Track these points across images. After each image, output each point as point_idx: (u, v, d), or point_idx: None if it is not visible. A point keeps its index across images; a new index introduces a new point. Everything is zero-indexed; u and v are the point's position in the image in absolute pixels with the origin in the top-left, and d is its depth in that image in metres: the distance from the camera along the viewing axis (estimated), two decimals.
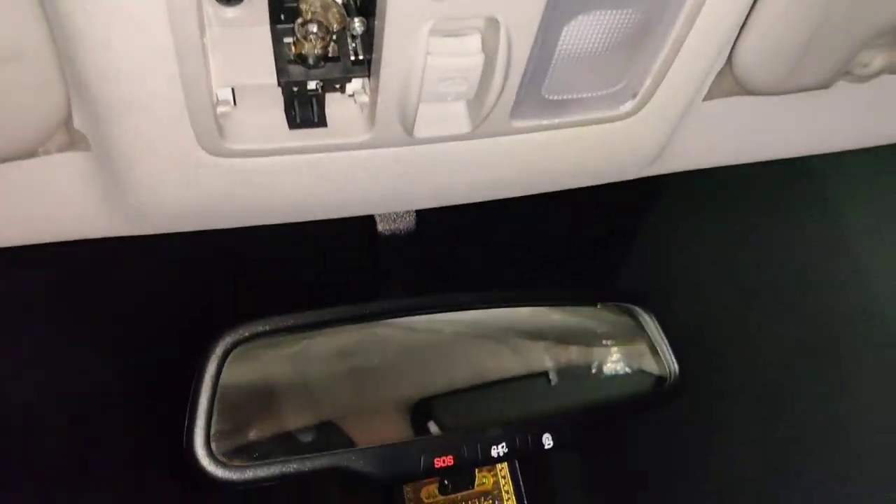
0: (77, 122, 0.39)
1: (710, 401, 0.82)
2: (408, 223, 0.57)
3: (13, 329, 0.66)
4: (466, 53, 0.39)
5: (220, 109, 0.40)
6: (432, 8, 0.35)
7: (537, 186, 0.51)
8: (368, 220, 0.60)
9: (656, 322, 0.64)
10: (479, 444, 0.51)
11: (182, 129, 0.38)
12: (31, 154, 0.38)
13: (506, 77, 0.40)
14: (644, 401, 0.68)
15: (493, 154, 0.47)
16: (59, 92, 0.36)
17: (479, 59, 0.40)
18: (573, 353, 1.03)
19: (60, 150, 0.39)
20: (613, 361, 1.03)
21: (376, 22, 0.37)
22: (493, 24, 0.38)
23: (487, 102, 0.42)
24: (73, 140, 0.39)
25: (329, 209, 0.48)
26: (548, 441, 0.52)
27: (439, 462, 0.49)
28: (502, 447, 0.51)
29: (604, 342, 1.02)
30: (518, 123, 0.44)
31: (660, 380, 0.69)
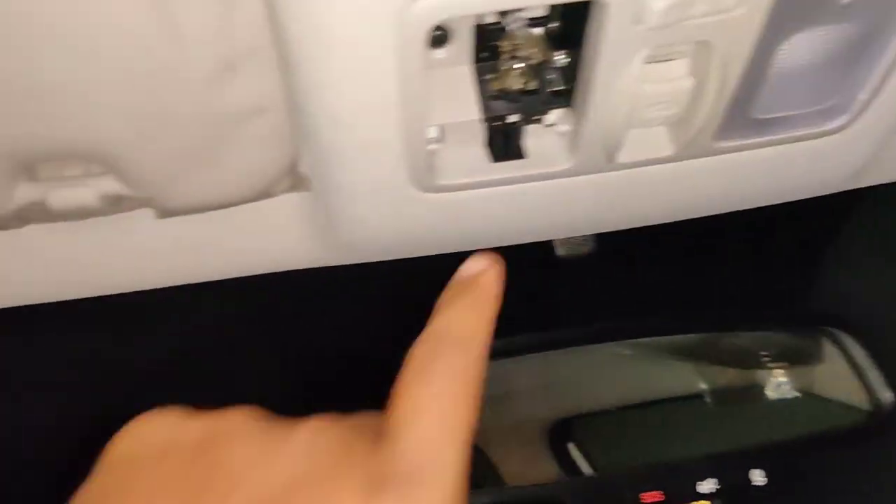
0: (302, 166, 0.42)
1: None
2: (588, 246, 0.57)
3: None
4: (676, 78, 0.39)
5: (431, 147, 0.41)
6: (649, 36, 0.35)
7: (735, 204, 0.50)
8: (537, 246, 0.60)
9: (859, 346, 0.60)
10: (685, 478, 0.49)
11: (399, 169, 0.40)
12: (264, 196, 0.41)
13: (715, 99, 0.39)
14: (849, 434, 0.63)
15: (693, 174, 0.46)
16: (290, 140, 0.38)
17: (688, 83, 0.39)
18: (733, 375, 0.98)
19: (285, 191, 0.42)
20: (788, 385, 0.97)
21: (584, 52, 0.37)
22: (704, 46, 0.37)
23: (693, 125, 0.41)
24: (296, 182, 0.42)
25: (525, 235, 0.49)
26: (760, 478, 0.49)
27: (647, 497, 0.47)
28: (713, 483, 0.49)
29: (773, 364, 0.97)
30: (723, 144, 0.43)
31: (868, 412, 0.64)
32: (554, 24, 0.40)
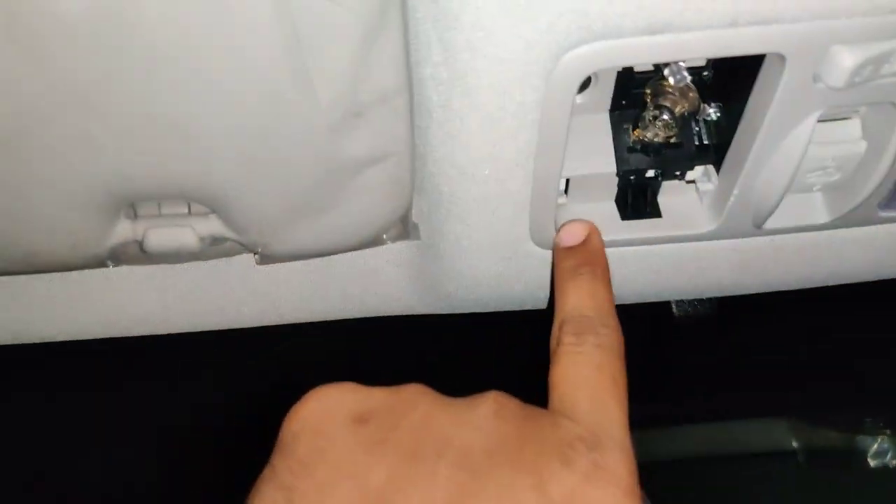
0: (414, 215, 0.38)
1: None
2: (709, 308, 0.52)
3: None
4: (847, 140, 0.34)
5: (559, 202, 0.38)
6: (830, 96, 0.30)
7: (886, 274, 0.44)
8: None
9: None
10: None
11: (519, 224, 0.37)
12: (374, 244, 0.38)
13: (891, 166, 0.34)
14: None
15: (846, 243, 0.40)
16: (408, 188, 0.35)
17: (860, 147, 0.34)
18: (830, 438, 0.91)
19: (395, 239, 0.39)
20: (886, 459, 0.90)
21: (749, 108, 0.33)
22: (884, 108, 0.32)
23: (858, 192, 0.36)
24: (406, 231, 0.39)
25: (643, 295, 0.44)
26: None
27: None
28: None
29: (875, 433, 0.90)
30: (887, 213, 0.38)
31: None
32: (706, 73, 0.36)
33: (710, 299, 0.53)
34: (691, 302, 0.53)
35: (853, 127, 0.34)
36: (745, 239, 0.39)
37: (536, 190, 0.35)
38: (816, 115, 0.32)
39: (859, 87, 0.30)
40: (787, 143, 0.33)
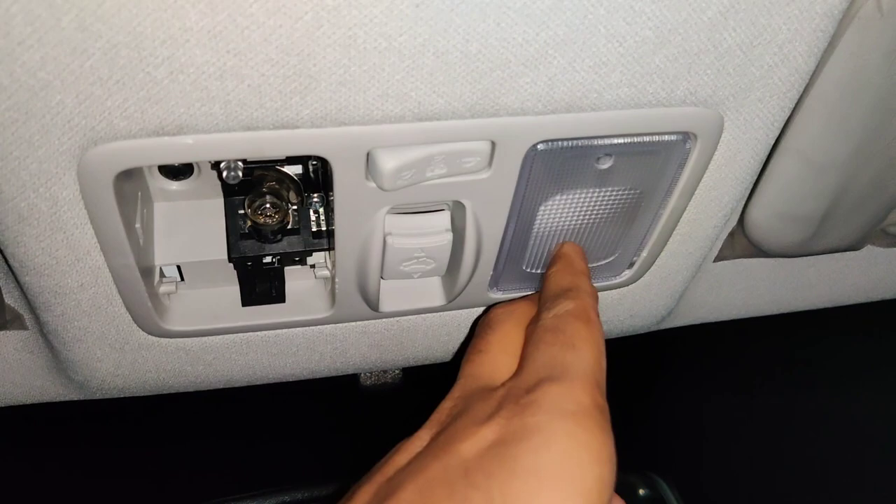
0: (10, 302, 0.36)
1: None
2: (393, 378, 0.53)
3: None
4: (433, 231, 0.36)
5: (164, 289, 0.36)
6: (385, 195, 0.32)
7: None
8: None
9: (673, 491, 0.57)
10: None
11: (116, 314, 0.35)
12: None
13: (477, 256, 0.36)
14: None
15: (471, 320, 0.42)
16: None
17: (446, 239, 0.36)
18: None
19: None
20: None
21: (331, 201, 0.34)
22: (458, 204, 0.34)
23: (460, 279, 0.38)
24: (5, 320, 0.36)
25: (292, 375, 0.44)
26: None
27: None
28: None
29: None
30: (497, 295, 0.40)
31: None
32: (314, 163, 0.36)
33: (395, 372, 0.54)
34: (378, 373, 0.53)
35: (442, 219, 0.36)
36: (370, 322, 0.40)
37: (119, 281, 0.33)
38: (382, 211, 0.33)
39: (415, 187, 0.32)
40: (363, 234, 0.34)
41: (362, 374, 0.54)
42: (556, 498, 0.25)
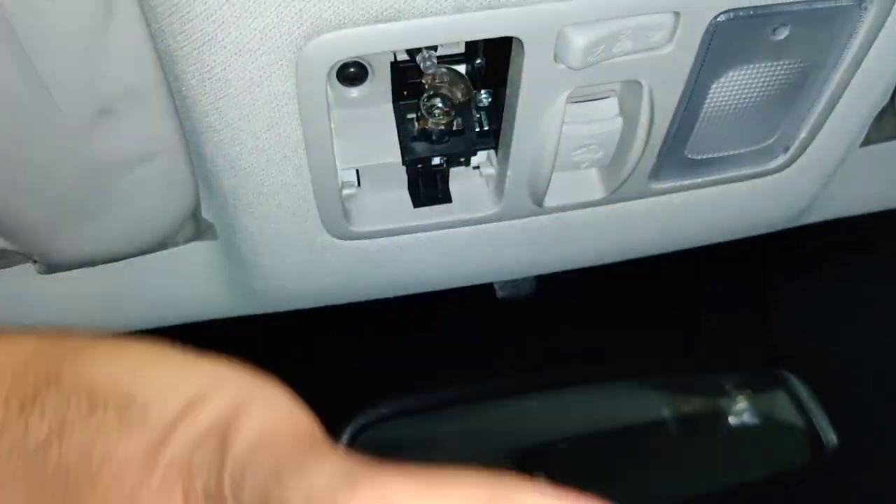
0: (205, 212, 0.38)
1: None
2: (529, 288, 0.54)
3: None
4: (604, 118, 0.37)
5: (345, 192, 0.38)
6: (572, 76, 0.32)
7: (674, 245, 0.47)
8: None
9: (807, 389, 0.58)
10: None
11: (309, 216, 0.37)
12: (161, 247, 0.37)
13: (647, 141, 0.37)
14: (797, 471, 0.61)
15: (628, 216, 0.43)
16: (189, 186, 0.35)
17: (617, 124, 0.36)
18: (695, 403, 0.96)
19: (188, 240, 0.39)
20: (744, 418, 0.95)
21: (507, 92, 0.35)
22: (633, 85, 0.35)
23: (625, 167, 0.38)
24: (200, 230, 0.39)
25: (452, 280, 0.46)
26: None
27: None
28: None
29: (734, 394, 0.94)
30: (657, 185, 0.41)
31: (814, 449, 0.62)
32: (479, 62, 0.37)
33: (527, 280, 0.56)
34: (512, 282, 0.55)
35: (610, 105, 0.37)
36: (532, 218, 0.41)
37: (315, 182, 0.35)
38: (564, 95, 0.34)
39: (599, 66, 0.32)
40: (543, 123, 0.35)
41: (498, 288, 0.56)
42: None
